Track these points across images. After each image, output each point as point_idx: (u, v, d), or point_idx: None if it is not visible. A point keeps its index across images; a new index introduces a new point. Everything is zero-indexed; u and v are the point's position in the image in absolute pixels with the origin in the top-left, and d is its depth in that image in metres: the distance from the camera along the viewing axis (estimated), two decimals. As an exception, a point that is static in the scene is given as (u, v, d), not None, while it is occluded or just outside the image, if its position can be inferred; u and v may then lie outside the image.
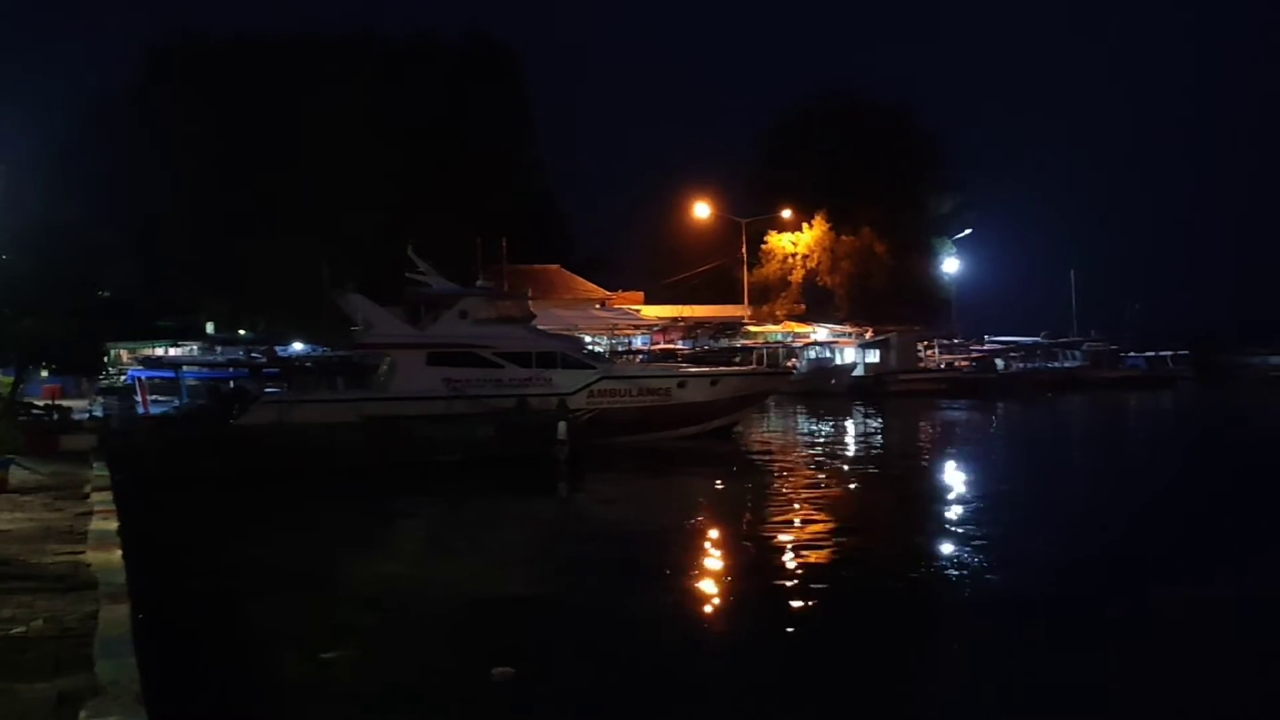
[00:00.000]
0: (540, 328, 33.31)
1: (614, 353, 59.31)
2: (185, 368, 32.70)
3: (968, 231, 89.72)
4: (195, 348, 46.31)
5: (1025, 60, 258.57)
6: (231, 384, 30.74)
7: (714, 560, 15.10)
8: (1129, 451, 35.58)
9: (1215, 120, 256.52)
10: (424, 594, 13.27)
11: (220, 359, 38.22)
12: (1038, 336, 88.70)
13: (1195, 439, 40.18)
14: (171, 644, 9.74)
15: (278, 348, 39.35)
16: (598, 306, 67.84)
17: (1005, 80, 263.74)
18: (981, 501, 21.55)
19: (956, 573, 13.75)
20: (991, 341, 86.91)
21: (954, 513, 19.63)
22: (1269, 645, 10.69)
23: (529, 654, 10.30)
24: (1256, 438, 39.82)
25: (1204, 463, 30.35)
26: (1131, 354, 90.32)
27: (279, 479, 23.01)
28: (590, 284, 71.80)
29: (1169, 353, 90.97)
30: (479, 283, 32.38)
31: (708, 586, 13.48)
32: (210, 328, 51.32)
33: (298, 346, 43.21)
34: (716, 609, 12.34)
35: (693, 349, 63.96)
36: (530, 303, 36.63)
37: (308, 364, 36.18)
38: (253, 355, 37.36)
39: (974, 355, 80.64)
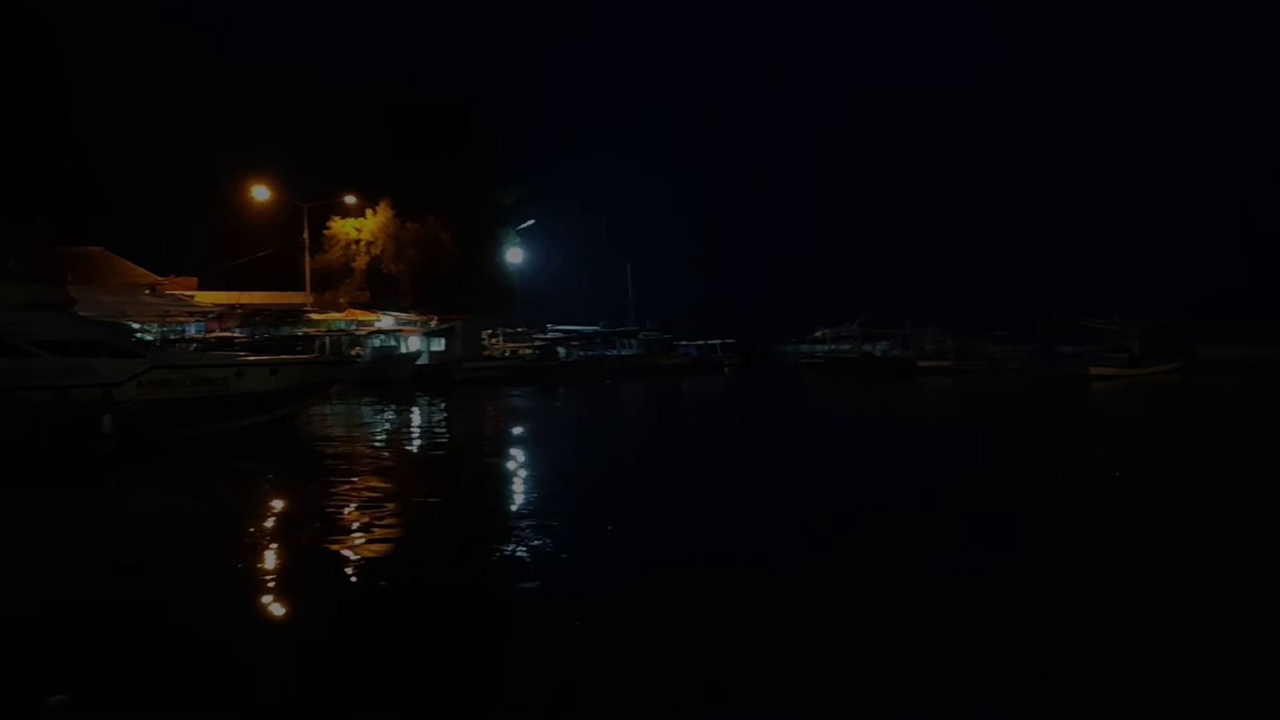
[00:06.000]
0: (82, 314, 31.13)
1: (166, 341, 56.48)
2: None
3: (531, 222, 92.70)
4: None
5: (592, 57, 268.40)
6: None
7: (272, 554, 14.81)
8: (686, 428, 38.34)
9: (768, 123, 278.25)
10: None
11: None
12: (597, 325, 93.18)
13: (743, 413, 44.07)
14: None
15: None
16: (147, 292, 64.19)
17: (572, 76, 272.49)
18: (547, 482, 22.47)
19: (527, 556, 14.17)
20: (554, 330, 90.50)
21: (518, 495, 20.32)
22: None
23: (82, 675, 9.59)
24: (792, 408, 44.69)
25: (750, 431, 33.29)
26: (684, 343, 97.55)
27: None
28: (139, 268, 68.07)
29: (718, 342, 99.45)
30: (9, 265, 29.58)
31: (267, 582, 13.24)
32: None
33: None
34: (275, 605, 12.15)
35: (251, 337, 62.00)
36: (70, 287, 34.20)
37: None
38: None
39: (537, 343, 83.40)
